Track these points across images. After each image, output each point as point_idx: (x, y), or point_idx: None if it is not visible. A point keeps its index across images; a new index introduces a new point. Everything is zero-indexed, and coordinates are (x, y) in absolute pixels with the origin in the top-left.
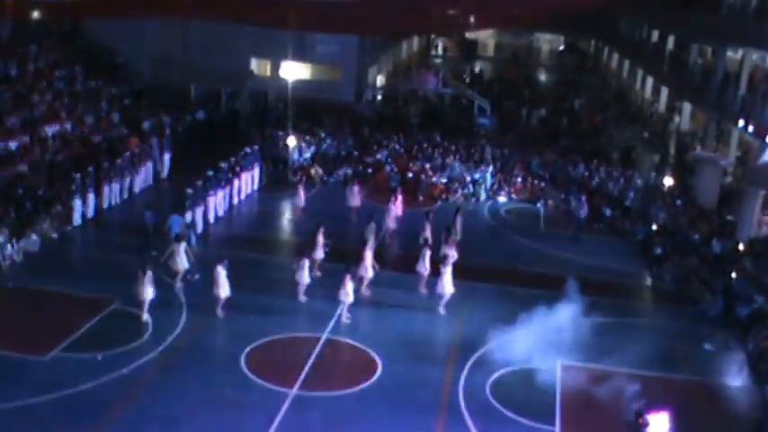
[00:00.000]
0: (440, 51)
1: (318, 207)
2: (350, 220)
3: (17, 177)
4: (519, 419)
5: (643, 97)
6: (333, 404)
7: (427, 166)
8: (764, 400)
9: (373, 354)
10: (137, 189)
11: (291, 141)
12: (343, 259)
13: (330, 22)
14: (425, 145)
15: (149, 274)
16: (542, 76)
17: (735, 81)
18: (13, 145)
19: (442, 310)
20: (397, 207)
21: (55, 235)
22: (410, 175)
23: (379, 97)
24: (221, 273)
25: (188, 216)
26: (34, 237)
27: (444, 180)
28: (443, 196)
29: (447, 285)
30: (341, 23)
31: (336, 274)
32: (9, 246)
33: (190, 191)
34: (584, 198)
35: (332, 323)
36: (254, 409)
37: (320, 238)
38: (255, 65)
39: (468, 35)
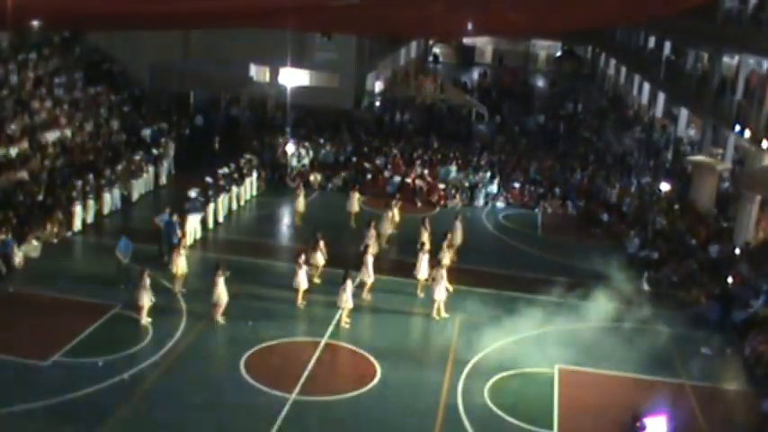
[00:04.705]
0: (438, 58)
1: (317, 213)
2: (349, 225)
3: (17, 184)
4: (517, 423)
5: (640, 103)
6: (332, 409)
7: (425, 171)
8: (761, 403)
9: (372, 358)
10: (136, 195)
11: (290, 148)
12: (343, 264)
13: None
14: (423, 151)
15: (148, 279)
16: (540, 82)
17: (731, 86)
18: (13, 152)
19: (437, 315)
20: (395, 213)
21: (55, 240)
22: (408, 180)
23: (378, 103)
24: (220, 279)
25: (191, 221)
26: (35, 242)
27: (442, 186)
28: (441, 202)
29: (442, 290)
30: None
31: (335, 278)
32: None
33: (192, 195)
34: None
35: (331, 328)
36: (253, 414)
37: (319, 245)
38: (254, 71)
39: (466, 42)
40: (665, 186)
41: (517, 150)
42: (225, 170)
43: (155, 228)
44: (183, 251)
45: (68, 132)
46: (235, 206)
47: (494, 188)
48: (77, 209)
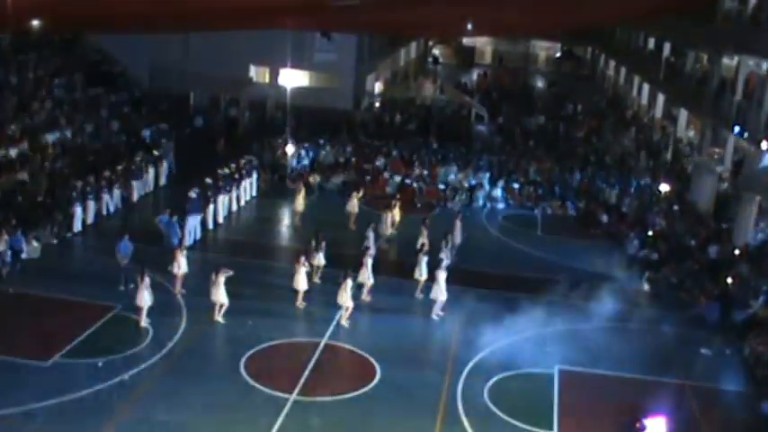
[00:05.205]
0: (438, 59)
1: (317, 214)
2: (348, 226)
3: (18, 184)
4: (517, 424)
5: (639, 104)
6: (332, 409)
7: (425, 172)
8: (761, 404)
9: (372, 359)
10: (136, 196)
11: (290, 148)
12: (343, 265)
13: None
14: (423, 152)
15: (147, 280)
16: (539, 83)
17: (730, 87)
18: (13, 152)
19: (436, 316)
20: (395, 213)
21: (55, 241)
22: (408, 181)
23: (377, 104)
24: (220, 280)
25: (191, 221)
26: (35, 243)
27: (442, 187)
28: (441, 203)
29: (442, 291)
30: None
31: (335, 278)
32: (9, 252)
33: (193, 195)
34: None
35: (331, 328)
36: (253, 415)
37: (320, 245)
38: (254, 72)
39: (466, 42)
40: (664, 187)
41: (517, 151)
42: (225, 171)
43: (155, 228)
44: (183, 251)
45: (68, 133)
46: (235, 207)
47: (494, 189)
48: (77, 210)
